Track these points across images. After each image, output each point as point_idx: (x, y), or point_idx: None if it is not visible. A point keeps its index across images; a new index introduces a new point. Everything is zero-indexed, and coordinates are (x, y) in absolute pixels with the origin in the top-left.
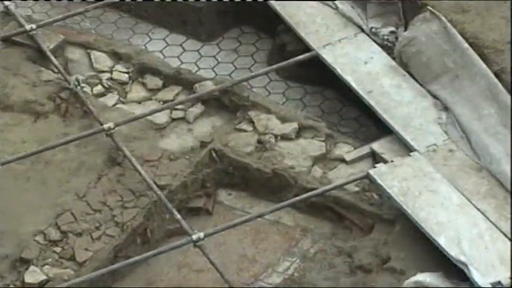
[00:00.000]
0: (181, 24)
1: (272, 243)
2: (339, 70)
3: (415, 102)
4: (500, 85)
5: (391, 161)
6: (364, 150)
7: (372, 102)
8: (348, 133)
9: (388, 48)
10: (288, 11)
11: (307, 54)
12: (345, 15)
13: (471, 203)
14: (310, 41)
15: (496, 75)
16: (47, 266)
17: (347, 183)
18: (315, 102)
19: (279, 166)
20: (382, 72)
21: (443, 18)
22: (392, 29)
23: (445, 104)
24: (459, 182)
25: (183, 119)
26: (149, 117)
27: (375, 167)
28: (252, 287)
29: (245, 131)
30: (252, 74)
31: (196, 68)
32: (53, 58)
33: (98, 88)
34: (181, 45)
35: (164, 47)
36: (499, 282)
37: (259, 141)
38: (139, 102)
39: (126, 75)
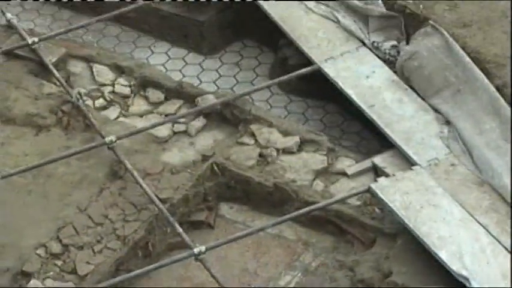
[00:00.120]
0: (183, 37)
1: (274, 257)
2: (340, 84)
3: (417, 116)
4: (502, 99)
5: (393, 175)
6: (366, 164)
7: (374, 116)
8: (350, 147)
9: (390, 62)
10: (290, 25)
11: (309, 68)
12: (346, 29)
13: (473, 217)
14: (312, 54)
15: (498, 89)
16: (48, 280)
17: (349, 197)
18: (316, 116)
19: (280, 180)
20: (384, 86)
21: (445, 32)
22: (394, 43)
23: (447, 118)
24: (461, 196)
25: (184, 132)
26: (151, 131)
27: (376, 181)
28: None
29: (247, 144)
30: (254, 87)
31: (198, 82)
32: (55, 71)
33: (100, 101)
34: (183, 58)
35: (166, 60)
36: None
37: (261, 155)
38: (141, 116)
39: (128, 89)
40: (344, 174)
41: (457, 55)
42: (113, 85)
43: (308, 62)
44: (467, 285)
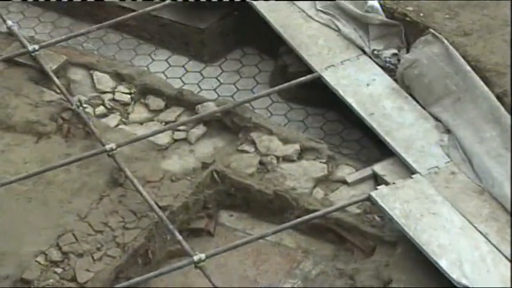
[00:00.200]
0: (183, 45)
1: (273, 264)
2: (340, 92)
3: (417, 124)
4: (502, 108)
5: (393, 183)
6: (366, 172)
7: (374, 124)
8: (350, 155)
9: (390, 70)
10: (290, 33)
11: (309, 76)
12: (347, 37)
13: (473, 225)
14: (312, 62)
15: (498, 98)
16: (48, 287)
17: (349, 205)
18: (316, 124)
19: (280, 188)
20: (384, 94)
21: (445, 40)
22: (395, 51)
23: (447, 126)
24: (461, 204)
25: (185, 140)
26: (151, 138)
27: (376, 189)
28: None
29: (247, 152)
30: (254, 95)
31: (198, 89)
32: (55, 79)
33: (100, 109)
34: (183, 66)
35: (166, 68)
36: None
37: (261, 163)
38: (142, 123)
39: (129, 96)
40: (344, 182)
41: (458, 63)
42: (113, 92)
43: (308, 69)
44: None
